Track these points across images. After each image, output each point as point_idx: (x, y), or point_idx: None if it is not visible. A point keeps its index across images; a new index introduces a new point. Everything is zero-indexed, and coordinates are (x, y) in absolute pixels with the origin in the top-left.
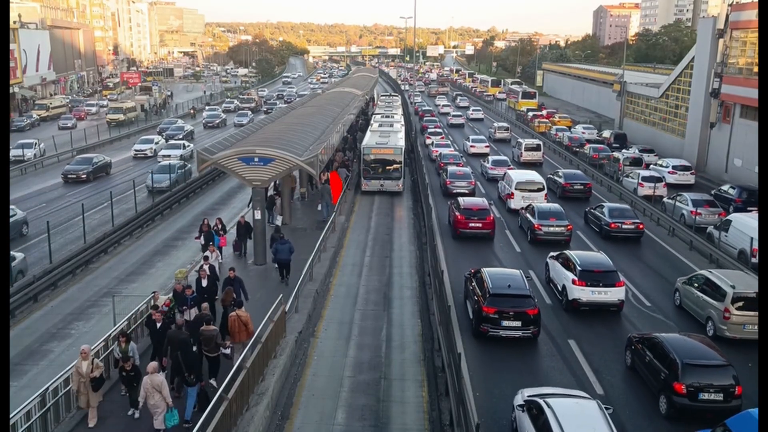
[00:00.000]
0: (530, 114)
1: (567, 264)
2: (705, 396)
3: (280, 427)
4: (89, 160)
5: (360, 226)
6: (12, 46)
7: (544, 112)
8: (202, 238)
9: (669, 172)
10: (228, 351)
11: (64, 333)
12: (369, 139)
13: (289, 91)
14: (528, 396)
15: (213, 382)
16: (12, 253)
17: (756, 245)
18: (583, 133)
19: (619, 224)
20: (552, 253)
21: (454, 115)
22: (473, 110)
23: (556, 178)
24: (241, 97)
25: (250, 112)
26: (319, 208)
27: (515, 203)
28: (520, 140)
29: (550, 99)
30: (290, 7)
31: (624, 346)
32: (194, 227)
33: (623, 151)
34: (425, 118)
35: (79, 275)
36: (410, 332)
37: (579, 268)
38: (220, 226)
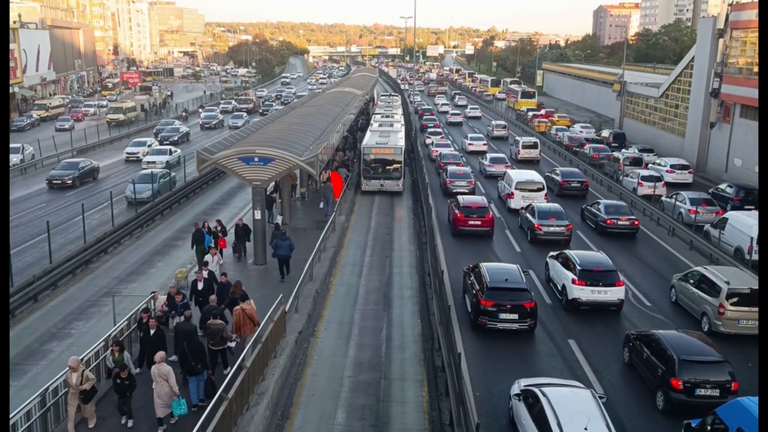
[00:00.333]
0: (530, 114)
1: (567, 263)
2: (701, 392)
3: (280, 426)
4: (75, 165)
5: (360, 226)
6: (12, 46)
7: (542, 112)
8: (195, 246)
9: (667, 171)
10: (233, 345)
11: (64, 333)
12: (369, 138)
13: (288, 91)
14: (524, 386)
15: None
16: None
17: (752, 243)
18: (581, 132)
19: (615, 220)
20: (552, 253)
21: (452, 114)
22: (471, 108)
23: (554, 176)
24: (238, 97)
25: (245, 114)
26: (321, 206)
27: (515, 203)
28: (517, 138)
29: (550, 99)
30: (290, 7)
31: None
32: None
33: (623, 150)
34: (425, 117)
35: (79, 275)
36: (410, 332)
37: (579, 267)
38: (219, 228)
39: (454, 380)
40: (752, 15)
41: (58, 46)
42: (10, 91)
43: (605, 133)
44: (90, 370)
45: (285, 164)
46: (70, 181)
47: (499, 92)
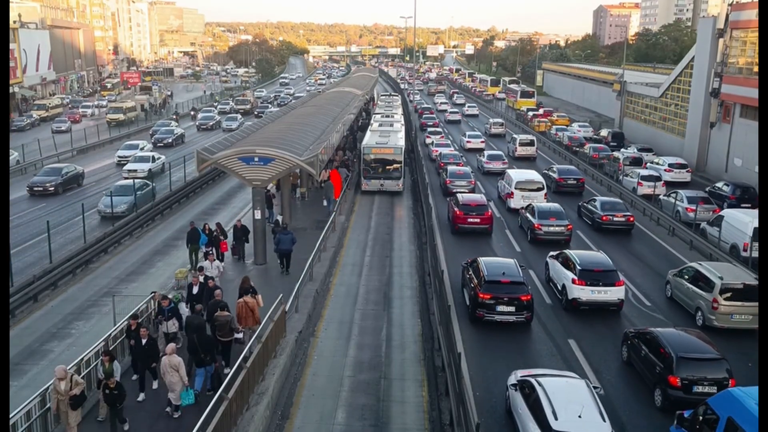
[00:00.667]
0: (530, 114)
1: (567, 263)
2: (699, 389)
3: (280, 426)
4: (58, 170)
5: (360, 226)
6: (12, 45)
7: (541, 111)
8: (189, 245)
9: (665, 170)
10: (240, 335)
11: (65, 333)
12: (369, 138)
13: (286, 92)
14: (521, 376)
15: (225, 369)
16: None
17: (747, 240)
18: (579, 131)
19: (611, 217)
20: (552, 253)
21: (451, 112)
22: (468, 107)
23: (551, 173)
24: (235, 98)
25: (239, 116)
26: (324, 203)
27: (515, 202)
28: (514, 136)
29: (551, 99)
30: (290, 7)
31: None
32: None
33: (622, 150)
34: (424, 115)
35: (79, 275)
36: (410, 332)
37: (579, 267)
38: (219, 231)
39: (454, 380)
40: (752, 15)
41: (58, 46)
42: (10, 91)
43: (604, 132)
44: (81, 377)
45: (285, 164)
46: (52, 188)
47: (499, 92)
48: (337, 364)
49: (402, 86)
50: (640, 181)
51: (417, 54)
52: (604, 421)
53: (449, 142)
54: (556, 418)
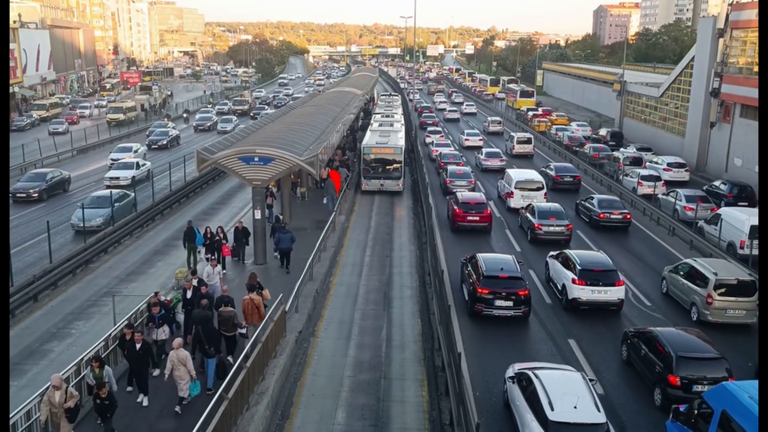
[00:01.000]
0: (530, 114)
1: (567, 263)
2: (698, 388)
3: (280, 426)
4: (42, 176)
5: (360, 226)
6: (12, 45)
7: (540, 110)
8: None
9: (664, 169)
10: (244, 331)
11: (65, 333)
12: (369, 138)
13: (285, 92)
14: (518, 369)
15: (230, 358)
16: None
17: (744, 238)
18: (577, 130)
19: (608, 214)
20: (552, 253)
21: (450, 111)
22: (467, 105)
23: (548, 171)
24: (233, 98)
25: (235, 118)
26: (325, 201)
27: (515, 202)
28: (512, 134)
29: (551, 99)
30: (290, 7)
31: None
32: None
33: (622, 150)
34: (424, 114)
35: (79, 275)
36: (410, 332)
37: (579, 267)
38: (221, 235)
39: (454, 380)
40: (752, 15)
41: (58, 45)
42: (10, 90)
43: (603, 131)
44: (72, 386)
45: (285, 164)
46: (36, 195)
47: (499, 91)
48: (337, 364)
49: (402, 86)
50: (640, 180)
51: (417, 54)
52: (599, 411)
53: (449, 141)
54: (552, 409)
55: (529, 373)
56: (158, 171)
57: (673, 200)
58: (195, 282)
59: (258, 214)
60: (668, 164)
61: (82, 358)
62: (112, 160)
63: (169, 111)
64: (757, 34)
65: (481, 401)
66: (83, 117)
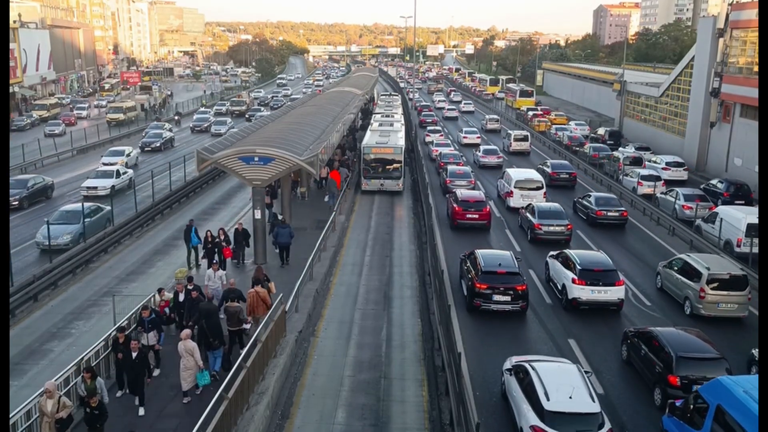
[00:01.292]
0: (530, 113)
1: (567, 263)
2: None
3: (280, 426)
4: (24, 182)
5: (360, 226)
6: (12, 45)
7: (539, 109)
8: (193, 248)
9: (662, 169)
10: (247, 326)
11: (65, 332)
12: (369, 138)
13: (283, 93)
14: (515, 361)
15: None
16: None
17: (741, 236)
18: (575, 128)
19: (605, 212)
20: (552, 253)
21: (448, 109)
22: (465, 104)
23: (545, 168)
24: (230, 99)
25: (229, 120)
26: (326, 199)
27: (514, 201)
28: (509, 131)
29: (551, 98)
30: (290, 7)
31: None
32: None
33: (621, 149)
34: (423, 113)
35: (80, 275)
36: (410, 331)
37: (579, 267)
38: (223, 237)
39: (454, 380)
40: (752, 14)
41: (58, 45)
42: (10, 90)
43: (601, 131)
44: (68, 390)
45: (285, 164)
46: (16, 203)
47: (498, 91)
48: (337, 364)
49: (402, 85)
50: (640, 180)
51: (417, 54)
52: (594, 401)
53: (449, 141)
54: (548, 399)
55: (526, 365)
56: (157, 172)
57: (673, 199)
58: (190, 287)
59: (258, 214)
60: (666, 163)
61: (82, 359)
62: (104, 164)
63: (159, 116)
64: (757, 33)
65: (481, 401)
66: (81, 118)
